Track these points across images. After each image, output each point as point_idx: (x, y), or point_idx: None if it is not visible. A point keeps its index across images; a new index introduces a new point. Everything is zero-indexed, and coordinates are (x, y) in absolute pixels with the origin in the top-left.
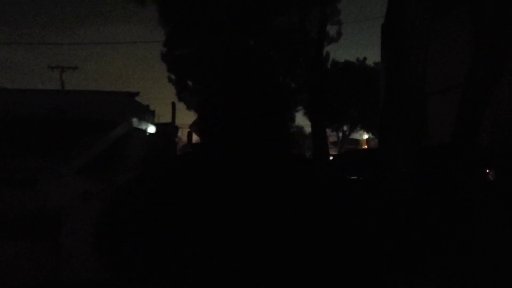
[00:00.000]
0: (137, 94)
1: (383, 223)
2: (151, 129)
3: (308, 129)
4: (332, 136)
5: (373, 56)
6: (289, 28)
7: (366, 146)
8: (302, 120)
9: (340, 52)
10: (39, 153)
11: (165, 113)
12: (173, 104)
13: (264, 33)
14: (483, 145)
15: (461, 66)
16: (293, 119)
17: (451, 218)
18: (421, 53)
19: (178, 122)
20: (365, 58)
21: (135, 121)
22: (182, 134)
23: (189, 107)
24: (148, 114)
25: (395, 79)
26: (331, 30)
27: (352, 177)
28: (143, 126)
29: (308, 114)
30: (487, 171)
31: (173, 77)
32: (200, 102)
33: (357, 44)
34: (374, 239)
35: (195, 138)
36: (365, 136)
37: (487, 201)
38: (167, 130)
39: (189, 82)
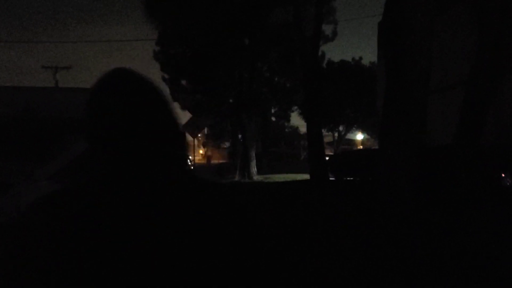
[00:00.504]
0: None
1: (383, 225)
2: None
3: (303, 129)
4: (327, 136)
5: (369, 56)
6: (285, 26)
7: (361, 147)
8: (297, 120)
9: (336, 52)
10: (13, 155)
11: None
12: None
13: (259, 30)
14: (497, 145)
15: (460, 64)
16: (288, 119)
17: (457, 224)
18: (424, 46)
19: None
20: (361, 58)
21: None
22: None
23: (183, 107)
24: None
25: (396, 75)
26: (327, 29)
27: (349, 178)
28: None
29: (304, 114)
30: (503, 175)
31: (166, 76)
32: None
33: (353, 44)
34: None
35: (188, 139)
36: (361, 137)
37: (502, 209)
38: None
39: (183, 82)
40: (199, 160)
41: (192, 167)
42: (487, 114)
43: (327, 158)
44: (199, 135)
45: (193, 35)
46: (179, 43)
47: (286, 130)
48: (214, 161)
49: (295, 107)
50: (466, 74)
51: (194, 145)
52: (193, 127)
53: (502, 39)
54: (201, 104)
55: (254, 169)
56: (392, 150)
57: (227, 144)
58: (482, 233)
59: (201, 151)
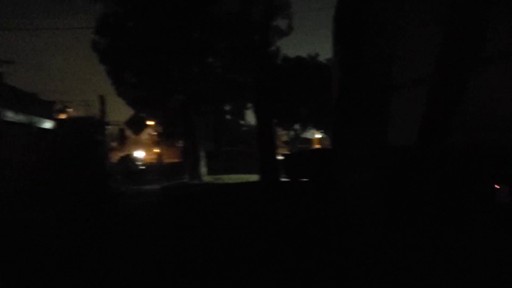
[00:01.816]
0: None
1: (343, 238)
2: (46, 124)
3: None
4: (284, 135)
5: (326, 53)
6: (234, 16)
7: (318, 146)
8: (253, 119)
9: (292, 48)
10: None
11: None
12: (101, 98)
13: (207, 22)
14: (487, 145)
15: (424, 58)
16: (243, 117)
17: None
18: (387, 27)
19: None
20: (317, 54)
21: (5, 111)
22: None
23: (128, 103)
24: (36, 105)
25: (354, 62)
26: (282, 23)
27: (304, 179)
28: (23, 119)
29: (255, 111)
30: (497, 187)
31: (107, 68)
32: None
33: (309, 40)
34: None
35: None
36: (318, 135)
37: (496, 231)
38: (82, 126)
39: (126, 75)
40: (152, 159)
41: (143, 167)
42: (455, 112)
43: (281, 158)
44: (154, 133)
45: (136, 24)
46: (121, 32)
47: (244, 128)
48: (168, 160)
49: (250, 105)
50: (431, 69)
51: (137, 142)
52: (136, 124)
53: (471, 29)
54: (145, 100)
55: (203, 170)
56: (349, 152)
57: (182, 143)
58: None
59: (158, 150)
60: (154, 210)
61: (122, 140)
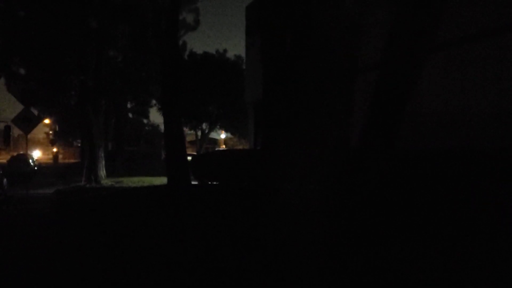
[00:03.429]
0: None
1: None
2: None
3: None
4: (190, 134)
5: (234, 50)
6: (139, 4)
7: (224, 146)
8: (157, 117)
9: (199, 43)
10: None
11: None
12: None
13: (106, 9)
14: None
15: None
16: (146, 116)
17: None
18: None
19: None
20: (225, 50)
21: None
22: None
23: (18, 98)
24: None
25: (305, 34)
26: (189, 17)
27: (214, 182)
28: None
29: (161, 108)
30: None
31: None
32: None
33: (218, 35)
34: None
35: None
36: (223, 136)
37: None
38: None
39: (15, 67)
40: (49, 159)
41: (35, 168)
42: (405, 108)
43: (189, 158)
44: (51, 132)
45: (27, 9)
46: (10, 19)
47: (147, 128)
48: (66, 160)
49: (154, 102)
50: (376, 56)
51: (27, 142)
52: (26, 121)
53: (424, 8)
54: (36, 94)
55: (102, 172)
56: (296, 154)
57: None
58: None
59: (55, 149)
60: (38, 220)
61: (7, 139)
